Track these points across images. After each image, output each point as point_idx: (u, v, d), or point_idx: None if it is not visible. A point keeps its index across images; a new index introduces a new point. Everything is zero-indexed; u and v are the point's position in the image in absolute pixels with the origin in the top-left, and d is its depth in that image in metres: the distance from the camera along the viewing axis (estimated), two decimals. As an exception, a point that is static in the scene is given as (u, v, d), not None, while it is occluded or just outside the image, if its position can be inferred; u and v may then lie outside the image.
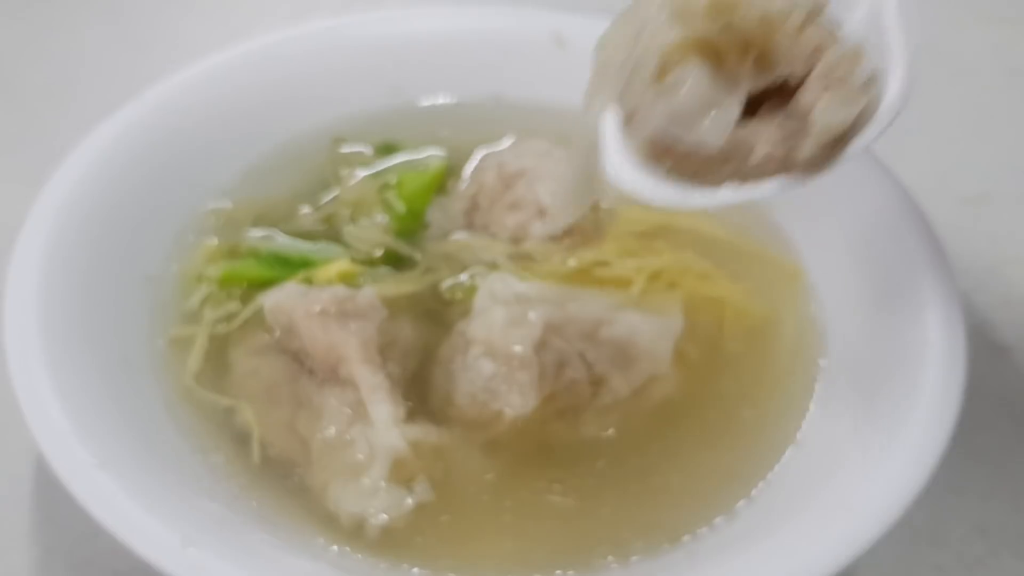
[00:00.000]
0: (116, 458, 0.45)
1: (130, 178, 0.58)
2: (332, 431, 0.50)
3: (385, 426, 0.49)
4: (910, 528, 0.55)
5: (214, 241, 0.60)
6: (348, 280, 0.57)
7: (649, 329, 0.54)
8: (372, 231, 0.61)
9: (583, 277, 0.59)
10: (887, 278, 0.55)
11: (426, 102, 0.69)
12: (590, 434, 0.53)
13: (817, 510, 0.46)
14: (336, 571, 0.45)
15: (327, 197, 0.64)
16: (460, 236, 0.62)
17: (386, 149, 0.67)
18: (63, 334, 0.49)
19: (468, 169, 0.65)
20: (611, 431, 0.53)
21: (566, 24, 0.69)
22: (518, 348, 0.51)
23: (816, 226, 0.60)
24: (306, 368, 0.53)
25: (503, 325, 0.52)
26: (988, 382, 0.63)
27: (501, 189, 0.62)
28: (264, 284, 0.57)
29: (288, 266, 0.59)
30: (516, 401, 0.51)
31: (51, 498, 0.54)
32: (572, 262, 0.59)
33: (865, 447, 0.48)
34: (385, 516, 0.48)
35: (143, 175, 0.59)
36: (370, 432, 0.49)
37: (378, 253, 0.60)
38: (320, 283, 0.56)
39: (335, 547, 0.47)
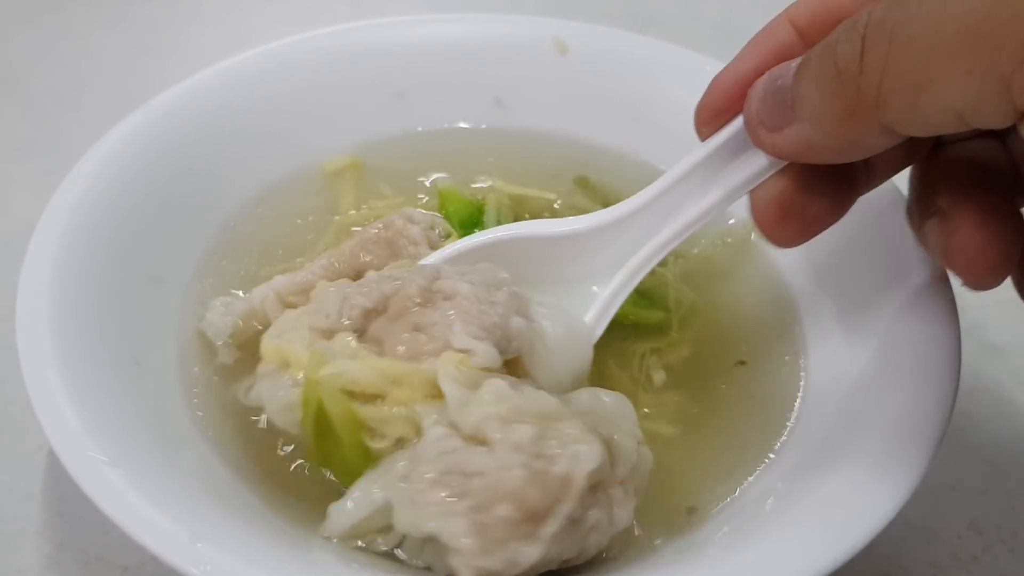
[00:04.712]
0: (126, 454, 0.45)
1: (140, 181, 0.59)
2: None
3: None
4: (905, 526, 0.56)
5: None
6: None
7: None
8: None
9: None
10: (883, 278, 0.55)
11: (430, 108, 0.70)
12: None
13: (813, 508, 0.46)
14: (346, 565, 0.45)
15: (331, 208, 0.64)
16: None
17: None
18: (74, 334, 0.50)
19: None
20: None
21: (567, 30, 0.70)
22: None
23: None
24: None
25: None
26: (982, 381, 0.63)
27: (417, 303, 0.49)
28: None
29: None
30: None
31: (62, 494, 0.55)
32: None
33: (860, 445, 0.48)
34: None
35: (153, 179, 0.59)
36: None
37: None
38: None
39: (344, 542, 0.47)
